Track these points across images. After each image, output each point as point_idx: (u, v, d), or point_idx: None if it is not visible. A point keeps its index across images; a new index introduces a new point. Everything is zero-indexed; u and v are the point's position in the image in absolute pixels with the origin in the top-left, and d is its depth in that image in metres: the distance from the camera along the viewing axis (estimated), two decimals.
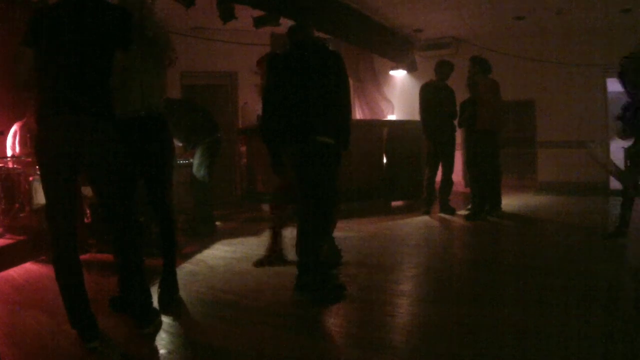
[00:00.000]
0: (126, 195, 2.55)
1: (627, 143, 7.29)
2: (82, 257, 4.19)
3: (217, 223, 5.61)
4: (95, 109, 2.35)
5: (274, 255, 3.86)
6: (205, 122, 5.29)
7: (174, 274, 3.09)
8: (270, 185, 5.13)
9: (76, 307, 2.34)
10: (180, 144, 5.21)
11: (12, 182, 5.08)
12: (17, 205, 5.03)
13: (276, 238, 3.90)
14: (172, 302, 2.95)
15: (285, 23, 5.86)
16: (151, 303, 2.58)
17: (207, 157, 5.18)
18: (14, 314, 2.89)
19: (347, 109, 3.24)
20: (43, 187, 2.39)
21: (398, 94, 9.69)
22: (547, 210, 6.47)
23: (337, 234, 3.83)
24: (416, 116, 6.39)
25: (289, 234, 3.87)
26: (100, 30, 2.38)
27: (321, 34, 6.37)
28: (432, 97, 6.10)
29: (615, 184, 8.10)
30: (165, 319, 2.66)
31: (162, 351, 2.35)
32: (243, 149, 7.58)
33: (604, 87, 8.40)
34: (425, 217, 6.05)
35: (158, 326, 2.53)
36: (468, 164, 6.14)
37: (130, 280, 2.49)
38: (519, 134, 9.07)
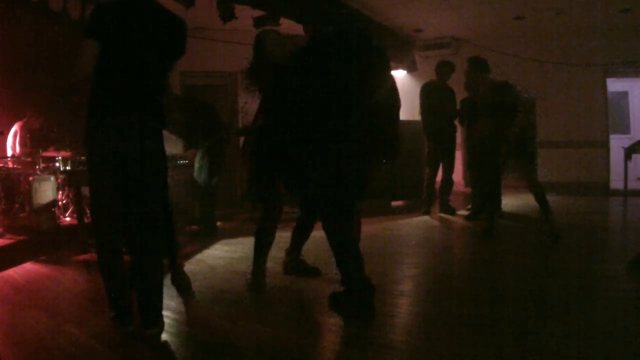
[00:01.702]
0: (162, 197, 2.61)
1: (628, 142, 7.29)
2: (82, 257, 4.23)
3: (218, 223, 5.61)
4: (148, 111, 2.44)
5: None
6: (205, 122, 5.22)
7: (180, 273, 3.16)
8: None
9: (115, 292, 2.50)
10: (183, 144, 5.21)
11: (12, 182, 5.09)
12: (17, 205, 5.04)
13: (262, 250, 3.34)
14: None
15: (285, 23, 5.87)
16: (161, 305, 2.57)
17: (206, 160, 5.14)
18: (14, 314, 2.89)
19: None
20: (89, 182, 2.48)
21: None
22: None
23: None
24: (416, 116, 6.39)
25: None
26: (161, 35, 2.44)
27: None
28: (432, 97, 6.10)
29: (615, 184, 8.13)
30: (165, 319, 2.66)
31: (161, 351, 2.35)
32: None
33: (604, 87, 8.40)
34: (425, 217, 6.05)
35: (162, 328, 2.53)
36: (469, 165, 6.14)
37: (143, 280, 2.49)
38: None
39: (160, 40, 2.45)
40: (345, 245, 2.67)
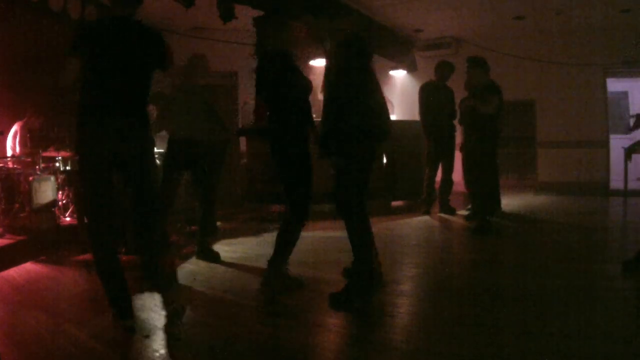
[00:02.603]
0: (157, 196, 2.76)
1: (628, 142, 7.28)
2: (82, 257, 4.23)
3: (218, 223, 5.60)
4: (134, 115, 2.54)
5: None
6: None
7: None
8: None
9: (114, 291, 2.53)
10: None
11: (12, 182, 5.08)
12: (17, 205, 5.03)
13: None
14: None
15: None
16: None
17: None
18: (14, 314, 2.90)
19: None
20: (83, 186, 2.60)
21: (398, 94, 9.69)
22: (547, 210, 6.47)
23: (337, 233, 3.82)
24: (416, 116, 6.38)
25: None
26: (141, 49, 2.57)
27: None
28: (432, 97, 6.09)
29: (615, 184, 8.13)
30: (165, 320, 2.66)
31: (161, 351, 2.35)
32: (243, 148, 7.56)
33: (604, 87, 8.40)
34: (425, 217, 6.05)
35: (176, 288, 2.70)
36: (467, 166, 6.13)
37: (152, 246, 2.62)
38: (519, 134, 9.06)
39: (141, 52, 2.59)
40: (354, 242, 2.96)
